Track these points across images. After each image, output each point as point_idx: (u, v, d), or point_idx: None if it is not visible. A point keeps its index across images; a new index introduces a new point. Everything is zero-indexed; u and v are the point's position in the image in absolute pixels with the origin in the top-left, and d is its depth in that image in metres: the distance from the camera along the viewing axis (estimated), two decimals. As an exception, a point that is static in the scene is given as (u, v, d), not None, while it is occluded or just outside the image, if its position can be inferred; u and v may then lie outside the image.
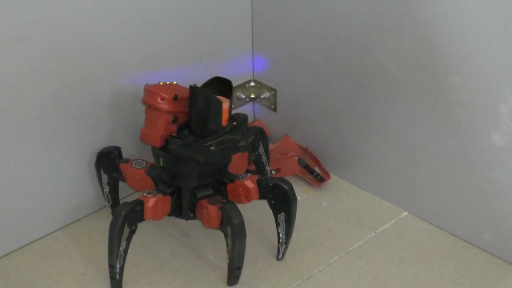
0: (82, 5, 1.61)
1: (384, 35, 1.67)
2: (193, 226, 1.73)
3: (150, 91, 1.57)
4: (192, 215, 1.62)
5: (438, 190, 1.71)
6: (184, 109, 1.57)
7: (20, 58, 1.55)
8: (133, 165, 1.65)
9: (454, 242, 1.70)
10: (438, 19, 1.55)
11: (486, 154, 1.59)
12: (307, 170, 1.89)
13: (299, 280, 1.62)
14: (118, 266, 1.53)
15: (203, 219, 1.58)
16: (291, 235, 1.63)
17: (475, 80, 1.55)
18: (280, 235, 1.63)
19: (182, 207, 1.62)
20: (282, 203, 1.59)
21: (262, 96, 2.01)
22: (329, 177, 1.89)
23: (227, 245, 1.53)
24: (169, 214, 1.62)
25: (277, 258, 1.66)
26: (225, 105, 1.53)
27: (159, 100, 1.55)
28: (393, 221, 1.78)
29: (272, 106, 2.00)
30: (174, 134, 1.56)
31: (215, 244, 1.69)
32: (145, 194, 1.56)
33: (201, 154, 1.53)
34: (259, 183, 1.59)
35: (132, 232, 1.52)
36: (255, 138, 1.71)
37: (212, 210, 1.55)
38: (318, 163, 1.90)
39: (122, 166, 1.66)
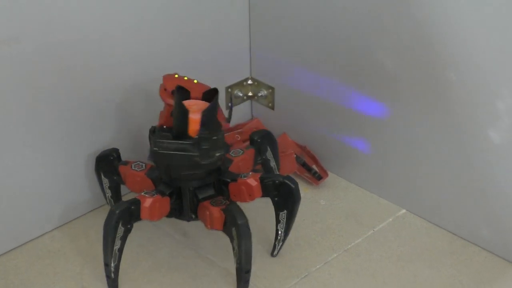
0: (79, 5, 1.61)
1: (382, 34, 1.66)
2: (191, 225, 1.72)
3: (162, 81, 1.60)
4: (194, 216, 1.61)
5: (436, 187, 1.71)
6: None
7: (16, 57, 1.55)
8: (133, 167, 1.64)
9: (452, 240, 1.70)
10: (436, 18, 1.55)
11: (484, 152, 1.59)
12: (305, 168, 1.89)
13: (297, 278, 1.62)
14: (113, 265, 1.53)
15: (205, 220, 1.57)
16: (289, 232, 1.63)
17: (473, 78, 1.54)
18: (279, 232, 1.62)
19: (184, 208, 1.60)
20: (287, 201, 1.58)
21: (259, 94, 2.01)
22: (327, 175, 1.89)
23: (233, 248, 1.51)
24: (169, 216, 1.60)
25: (272, 254, 1.66)
26: (193, 115, 1.51)
27: (162, 90, 1.59)
28: (391, 219, 1.78)
29: (270, 104, 2.00)
30: (163, 127, 1.55)
31: (214, 243, 1.69)
32: (142, 193, 1.55)
33: (151, 149, 1.53)
34: (262, 180, 1.58)
35: (127, 231, 1.51)
36: (261, 141, 1.69)
37: (215, 212, 1.54)
38: (316, 161, 1.90)
39: (121, 168, 1.65)
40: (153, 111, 1.63)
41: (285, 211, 1.59)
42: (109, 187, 1.71)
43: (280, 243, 1.64)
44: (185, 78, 1.63)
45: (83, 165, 1.73)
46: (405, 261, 1.65)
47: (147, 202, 1.53)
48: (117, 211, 1.48)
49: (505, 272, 1.62)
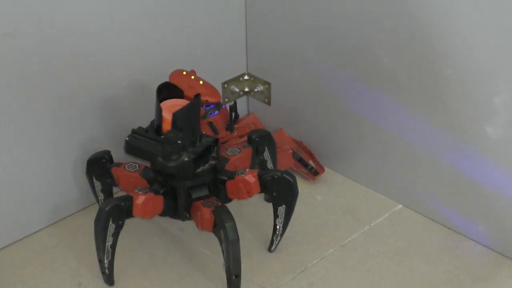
0: (77, 3, 1.61)
1: (379, 30, 1.66)
2: (187, 221, 1.73)
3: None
4: (188, 215, 1.60)
5: (432, 183, 1.72)
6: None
7: (10, 54, 1.54)
8: (126, 169, 1.62)
9: (449, 235, 1.71)
10: (432, 14, 1.55)
11: (480, 147, 1.59)
12: (301, 164, 1.89)
13: (294, 274, 1.62)
14: (106, 261, 1.53)
15: (196, 221, 1.57)
16: (287, 227, 1.63)
17: (469, 73, 1.55)
18: (278, 227, 1.62)
19: (178, 208, 1.59)
20: (285, 196, 1.58)
21: (256, 90, 2.01)
22: (323, 170, 1.89)
23: (223, 252, 1.51)
24: (163, 214, 1.59)
25: (269, 250, 1.66)
26: (165, 114, 1.51)
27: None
28: (387, 214, 1.78)
29: (266, 100, 2.00)
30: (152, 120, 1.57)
31: (209, 238, 1.69)
32: (136, 191, 1.53)
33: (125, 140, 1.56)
34: (260, 176, 1.57)
35: (119, 227, 1.50)
36: (260, 141, 1.69)
37: (206, 213, 1.53)
38: (312, 156, 1.90)
39: (114, 170, 1.63)
40: (147, 109, 1.62)
41: (284, 206, 1.59)
42: (102, 190, 1.69)
43: (278, 238, 1.64)
44: (192, 77, 1.63)
45: (79, 161, 1.73)
46: (401, 256, 1.66)
47: (140, 199, 1.51)
48: (106, 209, 1.47)
49: (501, 266, 1.62)
